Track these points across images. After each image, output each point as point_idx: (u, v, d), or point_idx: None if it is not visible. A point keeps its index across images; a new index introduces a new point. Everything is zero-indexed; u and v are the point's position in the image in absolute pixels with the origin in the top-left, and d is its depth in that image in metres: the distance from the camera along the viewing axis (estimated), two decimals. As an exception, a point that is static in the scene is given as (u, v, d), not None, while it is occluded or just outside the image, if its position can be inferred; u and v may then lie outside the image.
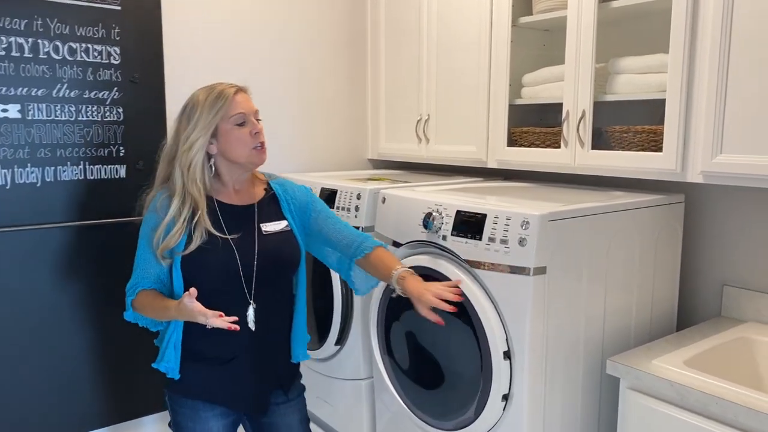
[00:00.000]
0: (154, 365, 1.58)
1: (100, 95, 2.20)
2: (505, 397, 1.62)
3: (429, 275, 1.79)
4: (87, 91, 2.18)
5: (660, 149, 1.78)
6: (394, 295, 1.70)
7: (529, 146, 2.20)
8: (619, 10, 1.94)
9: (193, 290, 1.37)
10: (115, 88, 2.23)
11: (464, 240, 1.69)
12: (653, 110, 2.02)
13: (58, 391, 2.22)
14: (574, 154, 1.99)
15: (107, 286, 2.27)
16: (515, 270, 1.57)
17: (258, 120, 1.59)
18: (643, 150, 1.86)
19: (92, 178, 2.22)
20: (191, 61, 2.43)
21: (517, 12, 2.20)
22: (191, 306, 1.37)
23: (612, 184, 2.17)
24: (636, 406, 1.57)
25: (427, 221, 1.79)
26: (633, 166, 1.85)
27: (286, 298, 1.69)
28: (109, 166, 2.25)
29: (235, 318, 1.40)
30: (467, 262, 1.69)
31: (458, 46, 2.38)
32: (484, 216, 1.65)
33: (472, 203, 1.73)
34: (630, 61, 1.91)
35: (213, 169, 1.57)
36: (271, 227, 1.61)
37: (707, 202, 1.99)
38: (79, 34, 2.14)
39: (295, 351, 1.71)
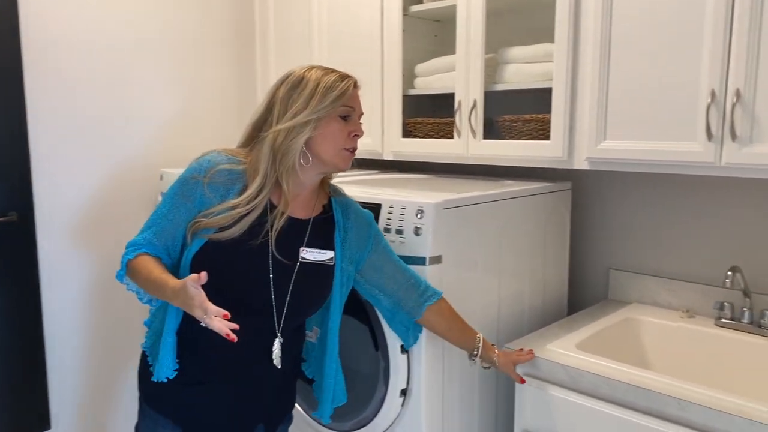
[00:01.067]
0: (150, 361, 1.33)
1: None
2: (404, 392, 1.58)
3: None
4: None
5: (548, 137, 1.81)
6: (472, 363, 1.56)
7: (423, 137, 2.17)
8: (507, 1, 1.95)
9: (203, 274, 1.11)
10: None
11: (359, 232, 1.62)
12: (542, 99, 2.06)
13: None
14: (467, 144, 1.99)
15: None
16: (411, 260, 1.52)
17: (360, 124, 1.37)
18: (532, 138, 1.89)
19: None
20: (55, 54, 2.18)
21: (408, 1, 2.17)
22: (194, 293, 1.10)
23: (505, 174, 2.20)
24: (532, 391, 1.58)
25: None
26: (523, 154, 1.87)
27: (299, 334, 1.49)
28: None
29: (236, 326, 1.11)
30: (362, 254, 1.63)
31: (350, 37, 2.32)
32: (379, 206, 1.60)
33: (366, 194, 1.67)
34: (518, 51, 1.93)
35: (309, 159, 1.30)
36: (312, 255, 1.35)
37: (593, 189, 2.06)
38: None
39: (325, 406, 1.48)
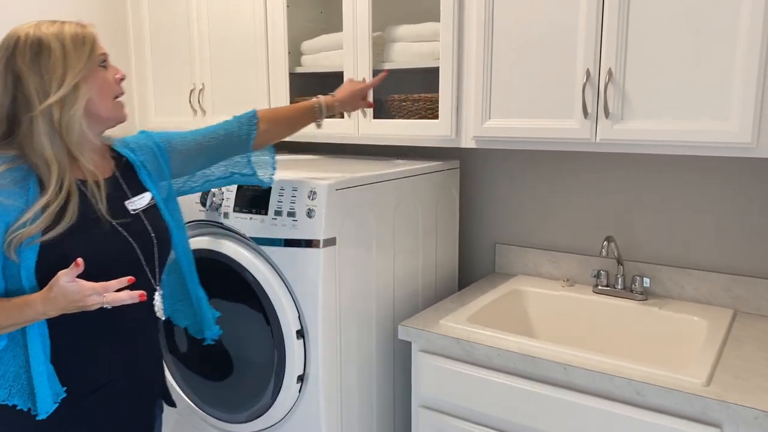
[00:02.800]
0: (42, 416, 1.13)
1: None
2: (300, 378, 1.55)
3: (212, 259, 1.62)
4: None
5: (437, 116, 1.83)
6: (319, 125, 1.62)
7: (312, 117, 2.12)
8: (392, -22, 1.94)
9: (79, 261, 1.03)
10: None
11: (248, 216, 1.56)
12: (430, 78, 2.08)
13: None
14: (357, 124, 1.96)
15: None
16: (305, 243, 1.49)
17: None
18: (422, 118, 1.90)
19: None
20: None
21: (292, -25, 2.09)
22: (75, 287, 1.03)
23: (396, 153, 2.21)
24: (428, 367, 1.60)
25: (205, 198, 1.61)
26: (413, 134, 1.87)
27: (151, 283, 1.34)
28: None
29: (141, 292, 1.08)
30: (253, 239, 1.56)
31: (231, 13, 2.20)
32: (269, 188, 1.53)
33: (254, 176, 1.60)
34: (404, 30, 1.93)
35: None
36: (136, 203, 1.28)
37: (480, 167, 2.12)
38: None
39: (206, 331, 1.47)
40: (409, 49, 1.91)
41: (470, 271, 2.18)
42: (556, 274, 2.01)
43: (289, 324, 1.51)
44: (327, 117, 1.59)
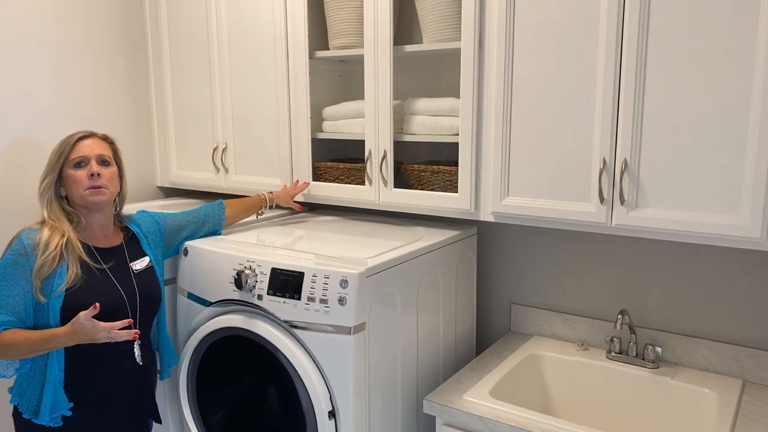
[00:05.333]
0: (37, 421, 1.54)
1: None
2: (332, 454, 1.62)
3: (245, 337, 1.70)
4: None
5: (456, 189, 1.91)
6: (259, 216, 2.15)
7: (334, 181, 2.20)
8: (412, 54, 2.02)
9: (97, 305, 1.41)
10: None
11: (282, 300, 1.63)
12: (448, 149, 2.16)
13: None
14: (378, 192, 2.04)
15: None
16: (336, 329, 1.56)
17: (105, 164, 1.65)
18: (441, 189, 1.98)
19: None
20: None
21: (314, 45, 2.17)
22: (91, 324, 1.40)
23: (411, 215, 2.28)
24: (452, 441, 1.68)
25: (239, 279, 1.69)
26: (432, 205, 1.95)
27: (149, 330, 1.77)
28: None
29: (135, 331, 1.48)
30: (286, 322, 1.64)
31: (254, 76, 2.28)
32: (302, 274, 1.61)
33: (288, 259, 1.67)
34: (423, 103, 2.00)
35: (72, 207, 1.63)
36: (138, 265, 1.71)
37: (497, 233, 2.20)
38: None
39: (165, 368, 1.84)
40: (429, 122, 1.99)
41: (487, 329, 2.26)
42: (569, 336, 2.08)
43: (321, 404, 1.59)
44: (267, 209, 2.13)
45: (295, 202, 2.20)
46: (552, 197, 1.73)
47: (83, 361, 1.58)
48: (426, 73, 2.21)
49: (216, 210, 2.00)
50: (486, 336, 2.25)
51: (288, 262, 1.65)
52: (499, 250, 2.20)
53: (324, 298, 1.57)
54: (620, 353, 1.92)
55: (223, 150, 2.42)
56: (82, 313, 1.41)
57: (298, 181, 2.21)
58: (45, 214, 1.61)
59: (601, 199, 1.64)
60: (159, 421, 1.84)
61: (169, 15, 2.52)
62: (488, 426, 1.60)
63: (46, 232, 1.56)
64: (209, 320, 1.78)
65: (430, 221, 2.19)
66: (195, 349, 1.82)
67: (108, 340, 1.44)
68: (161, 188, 2.77)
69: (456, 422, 1.67)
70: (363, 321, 1.57)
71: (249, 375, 1.76)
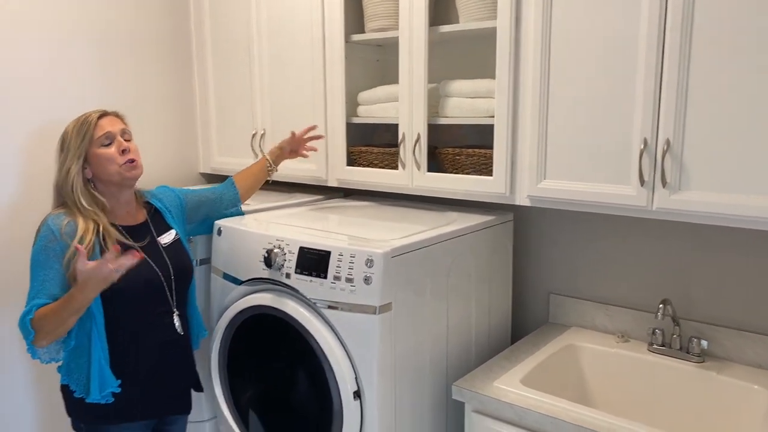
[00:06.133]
0: (89, 400, 1.56)
1: None
2: (357, 436, 1.60)
3: (274, 316, 1.70)
4: None
5: (491, 173, 1.86)
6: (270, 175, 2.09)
7: (368, 165, 2.18)
8: (448, 34, 1.98)
9: (81, 248, 1.39)
10: None
11: (309, 278, 1.62)
12: (483, 132, 2.11)
13: None
14: (412, 176, 2.01)
15: None
16: (362, 309, 1.54)
17: (127, 139, 1.65)
18: (476, 173, 1.93)
19: None
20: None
21: (350, 29, 2.16)
22: (89, 268, 1.38)
23: (448, 201, 2.24)
24: (481, 428, 1.63)
25: (268, 258, 1.69)
26: (467, 188, 1.91)
27: (185, 300, 1.77)
28: None
29: (137, 253, 1.45)
30: (313, 301, 1.63)
31: (291, 62, 2.29)
32: (328, 253, 1.60)
33: (315, 238, 1.67)
34: (459, 85, 1.96)
35: (97, 191, 1.62)
36: (166, 238, 1.73)
37: (535, 219, 2.13)
38: None
39: (195, 339, 1.84)
40: (463, 105, 1.95)
41: (524, 320, 2.19)
42: (610, 328, 2.00)
43: (346, 385, 1.57)
44: (274, 165, 2.09)
45: (306, 152, 2.10)
46: (590, 180, 1.66)
47: (126, 337, 1.61)
48: (464, 55, 2.17)
49: (229, 187, 2.01)
50: (522, 327, 2.19)
51: (315, 241, 1.65)
52: (537, 238, 2.13)
53: (350, 277, 1.55)
54: (663, 346, 1.82)
55: (262, 135, 2.44)
56: (76, 263, 1.40)
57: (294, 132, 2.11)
58: (73, 201, 1.58)
59: (642, 182, 1.56)
60: (201, 390, 1.86)
61: (211, 7, 2.56)
62: (518, 413, 1.55)
63: (80, 224, 1.55)
64: (240, 299, 1.79)
65: (467, 207, 2.14)
66: (227, 327, 1.84)
67: (117, 273, 1.41)
68: (203, 174, 2.82)
69: (485, 409, 1.63)
70: (389, 301, 1.54)
71: (278, 353, 1.76)
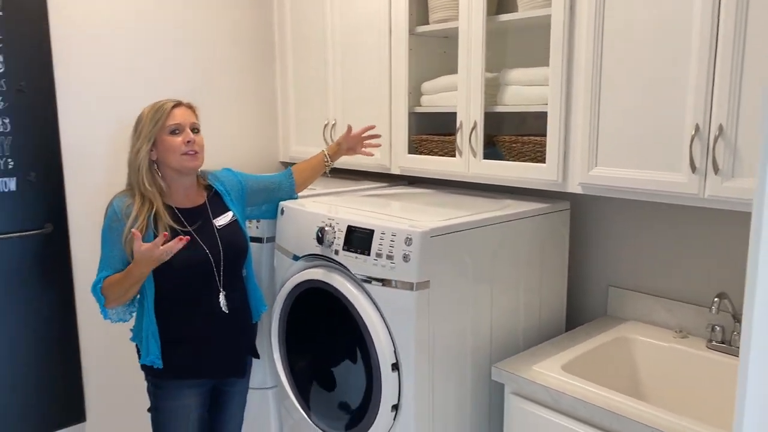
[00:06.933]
0: (141, 362, 1.78)
1: (-17, 106, 2.10)
2: (395, 408, 1.67)
3: (323, 289, 1.82)
4: (-32, 102, 2.07)
5: (545, 160, 1.86)
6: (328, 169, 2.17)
7: (429, 153, 2.24)
8: (507, 23, 2.00)
9: (136, 232, 1.58)
10: (0, 98, 2.13)
11: (354, 255, 1.72)
12: (543, 120, 2.10)
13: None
14: (468, 163, 2.05)
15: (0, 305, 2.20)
16: (400, 285, 1.61)
17: (195, 131, 1.79)
18: (531, 160, 1.94)
19: (-22, 191, 2.13)
20: (83, 67, 2.34)
21: (414, 21, 2.22)
22: (144, 249, 1.56)
23: (507, 190, 2.25)
24: (518, 410, 1.65)
25: (320, 235, 1.80)
26: (520, 176, 1.92)
27: (240, 278, 1.90)
28: (-3, 179, 2.17)
29: (185, 237, 1.62)
30: (358, 276, 1.72)
31: (361, 54, 2.40)
32: (372, 232, 1.68)
33: (362, 218, 1.76)
34: (517, 73, 1.97)
35: (159, 173, 1.77)
36: (222, 220, 1.84)
37: (592, 208, 2.10)
38: (-44, 42, 2.03)
39: (256, 312, 1.97)
40: (521, 92, 1.96)
41: (581, 311, 2.16)
42: (670, 323, 1.93)
43: (385, 356, 1.65)
44: (330, 159, 2.17)
45: (366, 149, 2.16)
46: (641, 167, 1.63)
47: (175, 310, 1.77)
48: (525, 45, 2.17)
49: (288, 178, 2.11)
50: (579, 318, 2.16)
51: (362, 220, 1.74)
52: (595, 228, 2.10)
53: (390, 254, 1.63)
54: (722, 343, 1.74)
55: (333, 126, 2.57)
56: (135, 244, 1.57)
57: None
58: (137, 180, 1.73)
59: (693, 168, 1.51)
60: (257, 356, 2.00)
61: (292, 6, 2.73)
62: (553, 397, 1.56)
63: (136, 204, 1.70)
64: (297, 273, 1.92)
65: (527, 195, 2.14)
66: (285, 299, 1.98)
67: (167, 255, 1.59)
68: (283, 163, 3.00)
69: (523, 391, 1.64)
70: (426, 279, 1.60)
71: (328, 326, 1.87)
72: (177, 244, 1.60)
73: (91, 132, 2.37)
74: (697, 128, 1.49)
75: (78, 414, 2.46)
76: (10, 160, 2.18)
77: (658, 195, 1.61)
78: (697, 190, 1.52)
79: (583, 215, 2.12)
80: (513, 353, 1.90)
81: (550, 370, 1.64)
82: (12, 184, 2.19)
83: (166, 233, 1.62)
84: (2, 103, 2.14)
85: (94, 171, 2.39)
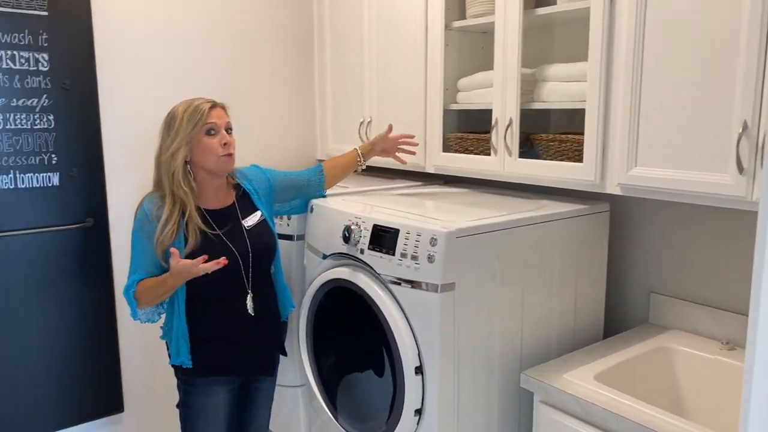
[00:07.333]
0: (171, 362, 1.80)
1: (29, 103, 2.17)
2: (418, 412, 1.63)
3: (348, 288, 1.79)
4: (15, 99, 2.14)
5: (582, 159, 1.78)
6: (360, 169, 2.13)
7: (464, 152, 2.19)
8: (544, 17, 1.92)
9: (174, 250, 1.58)
10: (45, 96, 2.19)
11: (379, 254, 1.68)
12: (579, 119, 2.02)
13: (-6, 401, 2.22)
14: (503, 161, 1.98)
15: (42, 297, 2.27)
16: (425, 286, 1.57)
17: (229, 131, 1.77)
18: (568, 159, 1.86)
19: (23, 186, 2.20)
20: (125, 65, 2.39)
21: (451, 16, 2.17)
22: (180, 265, 1.58)
23: (546, 191, 2.17)
24: (547, 419, 1.58)
25: (347, 234, 1.78)
26: (556, 175, 1.84)
27: (268, 277, 1.89)
28: (42, 174, 2.23)
29: (222, 259, 1.63)
30: (383, 275, 1.69)
31: (397, 50, 2.36)
32: (397, 231, 1.64)
33: (388, 216, 1.72)
34: (555, 69, 1.90)
35: (192, 174, 1.74)
36: (250, 221, 1.82)
37: (633, 210, 1.99)
38: (4, 41, 2.10)
39: (284, 311, 1.96)
40: (558, 89, 1.88)
41: (620, 318, 2.06)
42: (716, 334, 1.81)
43: (408, 359, 1.61)
44: (363, 160, 2.13)
45: (400, 154, 2.14)
46: (683, 167, 1.53)
47: (204, 312, 1.77)
48: (563, 40, 2.09)
49: (317, 174, 2.07)
50: (618, 325, 2.06)
51: (387, 219, 1.70)
52: (637, 231, 1.99)
53: (415, 254, 1.58)
54: (772, 357, 1.62)
55: (368, 123, 2.54)
56: (171, 259, 1.58)
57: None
58: (170, 182, 1.70)
59: (740, 169, 1.41)
60: (284, 354, 1.99)
61: (331, 4, 2.72)
62: (583, 407, 1.48)
63: (167, 206, 1.68)
64: (324, 272, 1.90)
65: (566, 196, 2.05)
66: (312, 298, 1.96)
67: (204, 272, 1.59)
68: (320, 161, 2.99)
69: (552, 401, 1.57)
70: (452, 281, 1.55)
71: (354, 326, 1.84)
72: (215, 266, 1.61)
73: (131, 129, 2.42)
74: (745, 126, 1.39)
75: (117, 404, 2.52)
76: (53, 155, 2.24)
77: (702, 197, 1.51)
78: (744, 192, 1.42)
79: (624, 218, 2.02)
80: (545, 360, 1.83)
81: (581, 379, 1.57)
82: (55, 179, 2.26)
83: (206, 255, 1.60)
84: (47, 100, 2.20)
85: (133, 167, 2.43)
